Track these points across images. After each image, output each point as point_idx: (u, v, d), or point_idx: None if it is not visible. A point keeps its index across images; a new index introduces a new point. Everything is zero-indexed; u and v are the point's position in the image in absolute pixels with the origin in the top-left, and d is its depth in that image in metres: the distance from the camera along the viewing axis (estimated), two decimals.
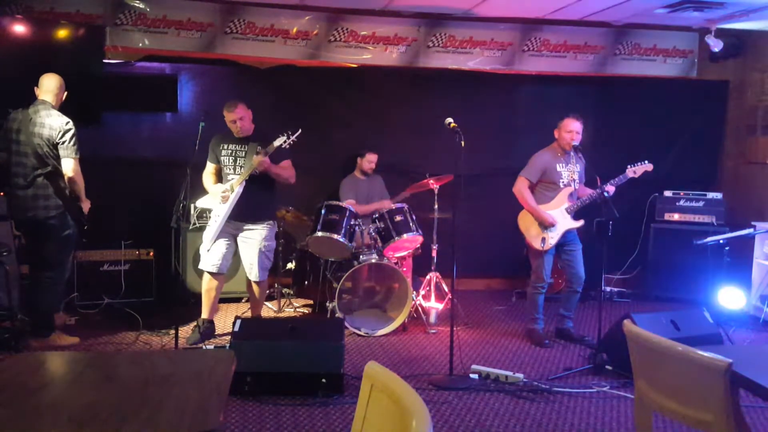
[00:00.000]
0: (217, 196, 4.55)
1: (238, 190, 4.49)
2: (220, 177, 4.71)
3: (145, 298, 5.46)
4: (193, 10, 5.75)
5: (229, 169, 4.62)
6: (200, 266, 4.72)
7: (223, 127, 4.64)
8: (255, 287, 4.77)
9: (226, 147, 4.64)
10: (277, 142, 4.46)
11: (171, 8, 5.71)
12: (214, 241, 4.59)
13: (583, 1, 5.50)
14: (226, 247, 4.63)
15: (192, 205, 5.35)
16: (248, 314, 5.01)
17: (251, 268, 4.68)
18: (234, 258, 4.78)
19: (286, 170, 4.63)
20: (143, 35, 5.66)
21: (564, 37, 6.42)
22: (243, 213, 4.57)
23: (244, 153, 4.59)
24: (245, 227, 4.64)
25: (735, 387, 2.13)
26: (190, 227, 5.56)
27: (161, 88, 5.86)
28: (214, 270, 4.64)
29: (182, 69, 5.98)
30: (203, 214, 5.41)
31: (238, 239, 4.68)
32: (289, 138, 4.46)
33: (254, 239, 4.63)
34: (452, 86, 6.36)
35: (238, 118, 4.53)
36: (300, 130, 4.49)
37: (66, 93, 4.47)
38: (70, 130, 4.28)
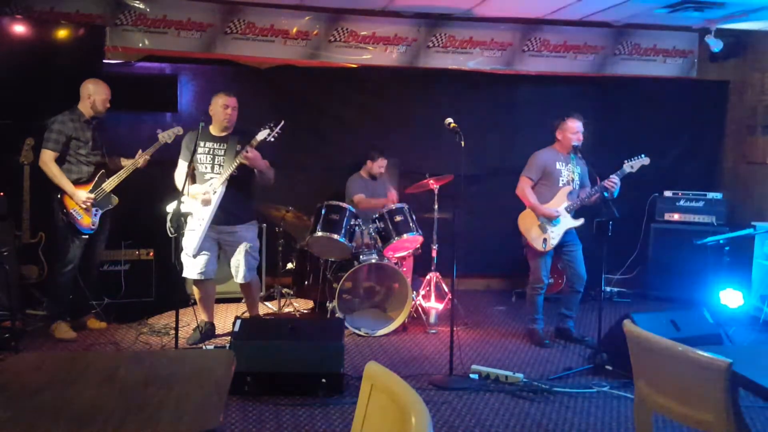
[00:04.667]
0: (199, 197, 4.36)
1: (221, 190, 4.32)
2: (193, 177, 4.45)
3: (145, 298, 5.45)
4: (193, 11, 5.75)
5: (206, 168, 4.42)
6: (185, 275, 4.58)
7: None
8: (246, 288, 4.73)
9: (202, 145, 4.40)
10: (260, 136, 4.26)
11: (171, 8, 5.71)
12: (197, 247, 4.41)
13: (583, 1, 5.50)
14: (209, 252, 4.50)
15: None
16: (247, 315, 5.01)
17: (237, 270, 4.57)
18: (225, 259, 4.69)
19: (270, 169, 4.51)
20: (143, 35, 5.66)
21: (564, 37, 6.42)
22: (224, 216, 4.41)
23: (223, 151, 4.43)
24: (227, 230, 4.50)
25: (735, 387, 2.13)
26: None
27: (161, 88, 5.87)
28: (201, 277, 4.53)
29: (182, 69, 5.99)
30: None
31: (222, 243, 4.56)
32: (272, 131, 4.26)
33: (238, 241, 4.53)
34: (452, 86, 6.36)
35: (233, 106, 4.43)
36: (283, 122, 4.30)
37: (92, 97, 4.60)
38: (49, 124, 4.54)
